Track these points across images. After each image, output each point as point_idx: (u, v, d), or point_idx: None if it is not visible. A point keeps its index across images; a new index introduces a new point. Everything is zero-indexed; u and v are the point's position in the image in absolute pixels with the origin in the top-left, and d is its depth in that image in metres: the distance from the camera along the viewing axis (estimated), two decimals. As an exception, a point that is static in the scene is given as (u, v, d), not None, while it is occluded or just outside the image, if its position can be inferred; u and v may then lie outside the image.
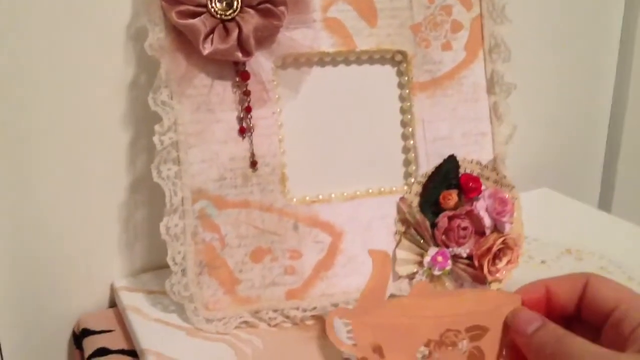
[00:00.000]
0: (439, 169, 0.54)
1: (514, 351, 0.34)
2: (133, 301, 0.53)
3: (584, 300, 0.33)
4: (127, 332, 0.52)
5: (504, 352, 0.35)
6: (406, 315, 0.36)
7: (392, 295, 0.53)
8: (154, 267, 0.58)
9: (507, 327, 0.34)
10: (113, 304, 0.57)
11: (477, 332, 0.35)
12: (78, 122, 0.53)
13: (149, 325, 0.50)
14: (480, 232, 0.54)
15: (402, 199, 0.54)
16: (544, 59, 0.76)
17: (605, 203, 0.86)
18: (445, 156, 0.54)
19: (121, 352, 0.50)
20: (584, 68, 0.80)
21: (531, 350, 0.32)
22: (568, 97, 0.80)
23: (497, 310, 0.34)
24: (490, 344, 0.35)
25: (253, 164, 0.50)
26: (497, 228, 0.54)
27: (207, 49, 0.47)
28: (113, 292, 0.57)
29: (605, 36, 0.80)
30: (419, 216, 0.53)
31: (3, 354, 0.54)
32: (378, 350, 0.36)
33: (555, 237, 0.64)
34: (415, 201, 0.54)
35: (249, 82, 0.49)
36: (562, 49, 0.77)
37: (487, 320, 0.34)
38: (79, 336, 0.54)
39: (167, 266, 0.54)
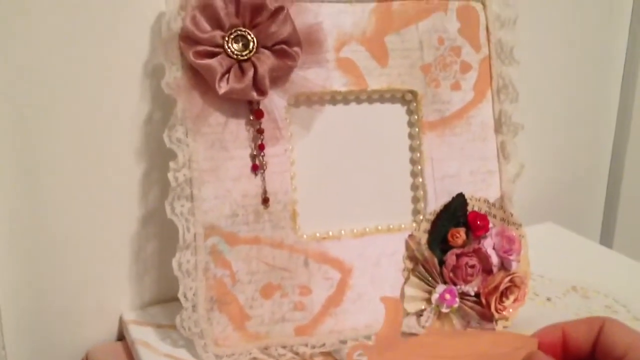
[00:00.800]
0: (447, 206, 0.55)
1: None
2: (142, 335, 0.53)
3: (598, 344, 0.34)
4: (136, 367, 0.52)
5: None
6: (424, 354, 0.36)
7: (403, 334, 0.53)
8: (163, 299, 0.58)
9: None
10: (121, 336, 0.57)
11: None
12: (92, 154, 0.53)
13: (159, 360, 0.50)
14: (487, 270, 0.54)
15: (410, 236, 0.54)
16: (548, 99, 0.77)
17: (606, 237, 0.87)
18: (454, 194, 0.55)
19: (130, 387, 0.50)
20: (587, 108, 0.81)
21: None
22: (571, 134, 0.81)
23: (514, 352, 0.34)
24: None
25: (265, 201, 0.51)
26: (504, 266, 0.55)
27: (223, 89, 0.48)
28: (122, 324, 0.57)
29: (607, 77, 0.82)
30: (427, 253, 0.54)
31: (11, 386, 0.54)
32: None
33: (560, 273, 0.65)
34: (424, 238, 0.54)
35: (263, 120, 0.50)
36: (565, 90, 0.78)
37: None
38: (88, 369, 0.54)
39: (175, 299, 0.54)
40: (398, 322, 0.47)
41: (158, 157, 0.55)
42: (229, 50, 0.48)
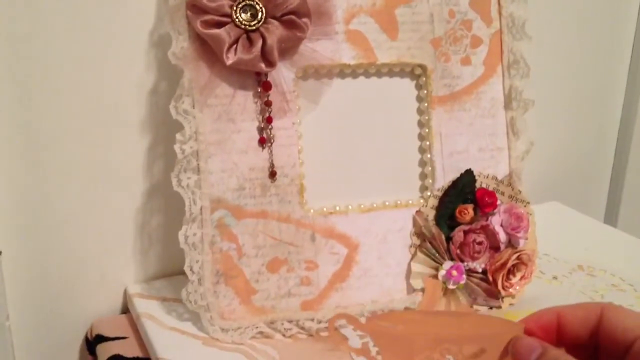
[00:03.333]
0: (455, 183, 0.54)
1: None
2: (147, 308, 0.53)
3: (600, 331, 0.33)
4: (141, 340, 0.51)
5: None
6: (407, 327, 0.36)
7: (406, 309, 0.53)
8: (167, 273, 0.58)
9: (506, 354, 0.34)
10: (125, 309, 0.57)
11: (474, 353, 0.35)
12: (96, 126, 0.53)
13: (165, 333, 0.50)
14: (495, 247, 0.54)
15: (418, 212, 0.54)
16: (554, 76, 0.76)
17: (611, 217, 0.87)
18: (462, 170, 0.55)
19: (136, 359, 0.49)
20: (594, 86, 0.81)
21: None
22: (577, 113, 0.81)
23: (499, 336, 0.34)
24: None
25: (272, 175, 0.50)
26: (511, 243, 0.54)
27: (230, 59, 0.47)
28: (126, 298, 0.56)
29: (615, 54, 0.81)
30: (434, 230, 0.53)
31: (16, 357, 0.54)
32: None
33: (565, 252, 0.64)
34: (431, 215, 0.54)
35: (270, 92, 0.49)
36: (573, 67, 0.77)
37: (486, 343, 0.34)
38: (92, 342, 0.53)
39: (180, 273, 0.54)
40: (435, 300, 0.48)
41: (163, 130, 0.54)
42: (237, 20, 0.47)
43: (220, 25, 0.47)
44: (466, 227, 0.53)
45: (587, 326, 0.34)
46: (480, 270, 0.54)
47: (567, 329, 0.34)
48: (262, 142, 0.50)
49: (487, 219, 0.54)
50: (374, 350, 0.38)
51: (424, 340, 0.35)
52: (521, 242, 0.54)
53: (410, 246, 0.54)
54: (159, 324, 0.51)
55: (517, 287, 0.55)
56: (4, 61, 0.48)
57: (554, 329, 0.34)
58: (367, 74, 0.53)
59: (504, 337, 0.34)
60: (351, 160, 0.53)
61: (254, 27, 0.47)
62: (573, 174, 0.84)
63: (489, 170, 0.56)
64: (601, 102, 0.82)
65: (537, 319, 0.34)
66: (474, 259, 0.53)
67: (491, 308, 0.55)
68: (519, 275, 0.55)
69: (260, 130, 0.50)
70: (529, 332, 0.34)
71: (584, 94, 0.80)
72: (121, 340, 0.52)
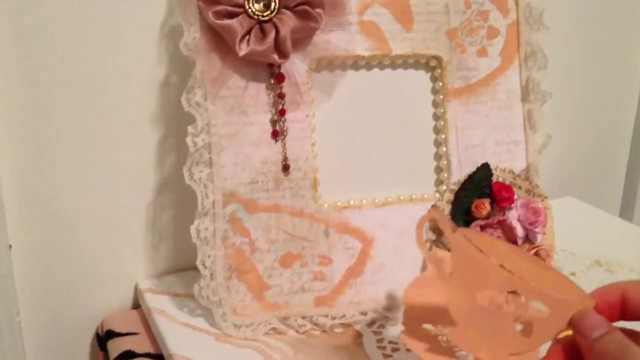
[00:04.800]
0: (471, 177, 0.53)
1: (565, 348, 0.34)
2: (159, 304, 0.52)
3: None
4: (152, 335, 0.51)
5: (551, 342, 0.34)
6: (489, 256, 0.35)
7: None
8: (178, 269, 0.57)
9: (569, 323, 0.34)
10: (136, 304, 0.56)
11: (538, 310, 0.34)
12: (107, 120, 0.52)
13: (176, 329, 0.49)
14: (512, 242, 0.53)
15: (433, 206, 0.53)
16: (570, 69, 0.75)
17: (626, 211, 0.86)
18: (478, 164, 0.54)
19: (147, 355, 0.49)
20: (609, 79, 0.79)
21: (592, 355, 0.32)
22: (592, 108, 0.79)
23: (568, 303, 0.34)
24: (543, 328, 0.34)
25: (285, 168, 0.49)
26: (529, 238, 0.53)
27: (243, 50, 0.46)
28: (137, 293, 0.56)
29: (632, 48, 0.79)
30: (450, 224, 0.52)
31: (26, 353, 0.53)
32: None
33: (583, 247, 0.63)
34: (447, 209, 0.53)
35: (283, 84, 0.48)
36: (589, 61, 0.76)
37: (554, 305, 0.34)
38: (103, 338, 0.53)
39: (191, 268, 0.53)
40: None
41: (174, 123, 0.53)
42: (249, 10, 0.46)
43: (232, 15, 0.46)
44: (483, 222, 0.52)
45: None
46: (497, 265, 0.53)
47: (631, 306, 0.33)
48: (275, 134, 0.49)
49: (504, 214, 0.53)
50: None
51: (498, 278, 0.35)
52: (539, 237, 0.53)
53: (426, 241, 0.53)
54: (171, 319, 0.50)
55: (535, 283, 0.54)
56: (15, 54, 0.47)
57: (618, 305, 0.34)
58: (381, 66, 0.52)
59: (573, 306, 0.33)
60: (365, 154, 0.52)
61: (266, 18, 0.46)
62: (588, 168, 0.82)
63: (506, 164, 0.55)
64: (617, 97, 0.81)
65: (602, 294, 0.34)
66: (490, 254, 0.52)
67: (508, 304, 0.54)
68: (536, 270, 0.54)
69: (273, 122, 0.49)
70: (595, 307, 0.33)
71: (599, 88, 0.79)
72: (132, 336, 0.51)
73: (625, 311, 0.34)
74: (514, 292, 0.34)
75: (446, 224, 0.38)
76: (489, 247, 0.37)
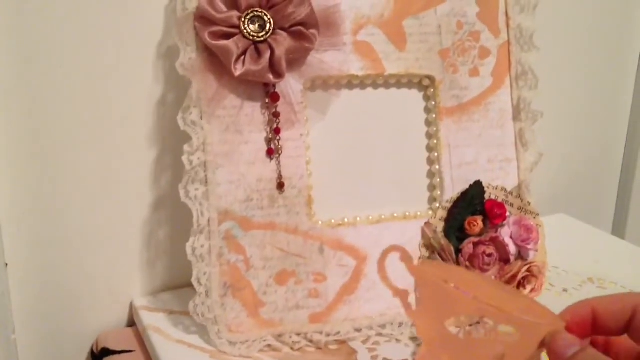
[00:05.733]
0: (464, 194, 0.54)
1: None
2: (154, 321, 0.52)
3: (632, 324, 0.33)
4: (147, 353, 0.51)
5: None
6: (456, 285, 0.36)
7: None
8: (174, 286, 0.58)
9: (541, 345, 0.34)
10: (132, 322, 0.56)
11: (508, 334, 0.34)
12: (104, 138, 0.52)
13: (172, 346, 0.49)
14: (504, 259, 0.54)
15: (427, 223, 0.54)
16: (561, 88, 0.76)
17: (619, 229, 0.86)
18: (471, 182, 0.54)
19: (142, 373, 0.49)
20: (600, 98, 0.80)
21: None
22: (584, 126, 0.80)
23: (538, 326, 0.34)
24: (515, 353, 0.35)
25: (280, 186, 0.50)
26: (521, 255, 0.54)
27: (238, 70, 0.47)
28: (133, 310, 0.56)
29: (622, 66, 0.81)
30: (443, 241, 0.53)
31: (21, 371, 0.53)
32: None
33: (575, 265, 0.64)
34: (440, 226, 0.54)
35: (278, 103, 0.49)
36: (580, 79, 0.77)
37: (524, 329, 0.34)
38: (98, 356, 0.53)
39: (187, 285, 0.53)
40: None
41: (171, 141, 0.54)
42: (245, 31, 0.47)
43: (228, 36, 0.47)
44: (475, 239, 0.53)
45: (621, 319, 0.33)
46: (490, 282, 0.53)
47: (602, 323, 0.34)
48: (270, 153, 0.50)
49: (496, 231, 0.53)
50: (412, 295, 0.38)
51: (465, 305, 0.35)
52: (531, 254, 0.54)
53: (419, 258, 0.53)
54: (166, 337, 0.50)
55: (527, 300, 0.54)
56: (15, 73, 0.48)
57: (589, 322, 0.34)
58: (375, 85, 0.53)
59: (543, 328, 0.34)
60: (359, 172, 0.53)
61: (262, 39, 0.47)
62: (580, 186, 0.83)
63: (498, 181, 0.55)
64: (608, 114, 0.82)
65: (573, 313, 0.34)
66: (483, 271, 0.53)
67: (501, 321, 0.54)
68: (529, 287, 0.54)
69: (268, 141, 0.50)
70: (566, 327, 0.34)
71: (590, 106, 0.80)
72: (127, 354, 0.51)
73: (596, 327, 0.34)
74: (483, 318, 0.35)
75: (407, 259, 0.38)
76: (454, 276, 0.37)
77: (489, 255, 0.53)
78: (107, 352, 0.52)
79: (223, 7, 0.47)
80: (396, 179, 0.54)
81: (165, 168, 0.55)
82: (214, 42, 0.47)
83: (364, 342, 0.51)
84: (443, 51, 0.54)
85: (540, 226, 0.55)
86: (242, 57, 0.47)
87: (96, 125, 0.52)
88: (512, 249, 0.53)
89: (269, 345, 0.50)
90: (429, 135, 0.55)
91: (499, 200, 0.55)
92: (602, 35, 0.77)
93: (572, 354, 0.32)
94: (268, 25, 0.48)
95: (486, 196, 0.54)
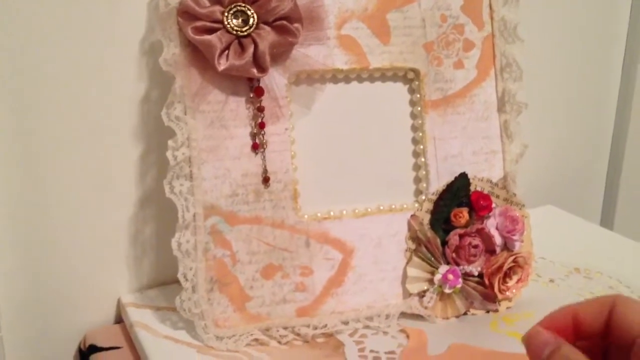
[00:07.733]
0: (450, 186, 0.54)
1: None
2: (141, 317, 0.52)
3: (610, 323, 0.33)
4: (135, 349, 0.51)
5: None
6: None
7: (402, 314, 0.53)
8: (161, 282, 0.58)
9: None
10: (119, 319, 0.56)
11: None
12: (88, 135, 0.52)
13: (159, 342, 0.49)
14: (490, 250, 0.54)
15: (413, 216, 0.54)
16: (548, 79, 0.76)
17: (607, 220, 0.87)
18: (456, 174, 0.55)
19: (130, 369, 0.49)
20: (587, 89, 0.81)
21: None
22: (572, 117, 0.81)
23: None
24: None
25: (265, 180, 0.50)
26: (507, 246, 0.54)
27: (222, 65, 0.47)
28: (120, 307, 0.56)
29: (608, 57, 0.81)
30: (429, 234, 0.53)
31: (8, 369, 0.53)
32: None
33: (561, 255, 0.64)
34: (426, 218, 0.54)
35: (263, 98, 0.49)
36: (566, 70, 0.78)
37: None
38: (86, 353, 0.53)
39: (174, 282, 0.54)
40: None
41: (155, 138, 0.54)
42: (228, 25, 0.47)
43: (211, 31, 0.47)
44: (461, 231, 0.53)
45: (601, 320, 0.33)
46: (476, 273, 0.53)
47: (583, 327, 0.34)
48: (255, 148, 0.50)
49: (482, 222, 0.54)
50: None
51: None
52: (517, 245, 0.54)
53: (406, 250, 0.54)
54: (153, 332, 0.50)
55: (514, 291, 0.55)
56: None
57: (571, 328, 0.34)
58: (359, 79, 0.53)
59: None
60: (345, 165, 0.53)
61: (245, 33, 0.47)
62: (568, 177, 0.84)
63: (484, 173, 0.56)
64: (595, 105, 0.83)
65: (553, 320, 0.34)
66: (469, 262, 0.53)
67: (488, 312, 0.55)
68: (515, 278, 0.54)
69: (253, 136, 0.50)
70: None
71: (577, 97, 0.81)
72: (115, 350, 0.51)
73: (578, 333, 0.34)
74: None
75: None
76: None
77: (475, 247, 0.53)
78: (94, 349, 0.52)
79: (206, 2, 0.47)
80: (382, 172, 0.54)
81: (150, 165, 0.55)
82: (197, 37, 0.46)
83: (351, 334, 0.51)
84: (427, 44, 0.54)
85: (526, 217, 0.56)
86: (226, 52, 0.47)
87: (81, 123, 0.52)
88: (497, 240, 0.54)
89: (256, 340, 0.50)
90: (414, 128, 0.55)
91: (485, 191, 0.55)
92: (589, 26, 0.78)
93: (548, 353, 0.32)
94: (251, 19, 0.47)
95: (472, 188, 0.55)
